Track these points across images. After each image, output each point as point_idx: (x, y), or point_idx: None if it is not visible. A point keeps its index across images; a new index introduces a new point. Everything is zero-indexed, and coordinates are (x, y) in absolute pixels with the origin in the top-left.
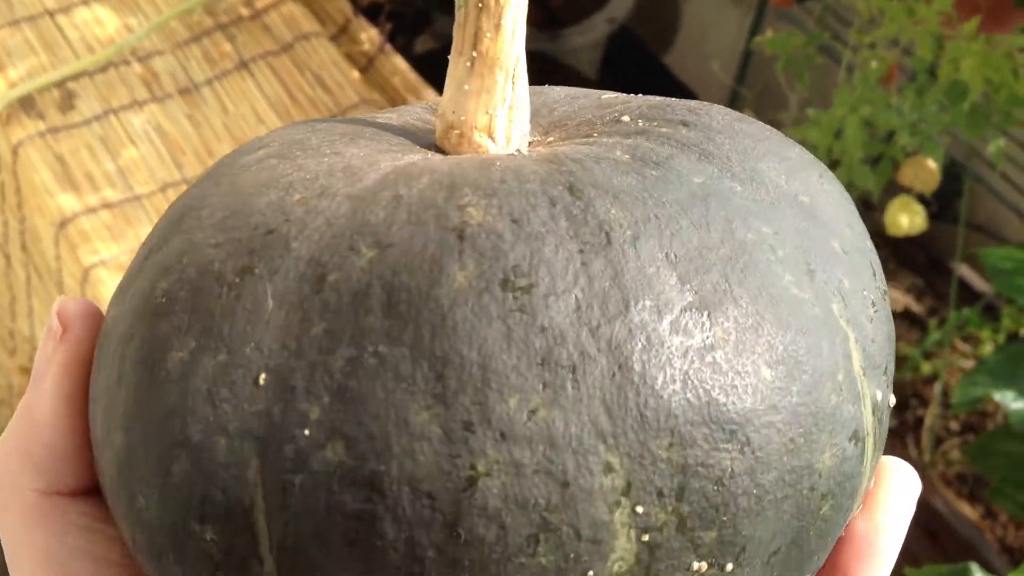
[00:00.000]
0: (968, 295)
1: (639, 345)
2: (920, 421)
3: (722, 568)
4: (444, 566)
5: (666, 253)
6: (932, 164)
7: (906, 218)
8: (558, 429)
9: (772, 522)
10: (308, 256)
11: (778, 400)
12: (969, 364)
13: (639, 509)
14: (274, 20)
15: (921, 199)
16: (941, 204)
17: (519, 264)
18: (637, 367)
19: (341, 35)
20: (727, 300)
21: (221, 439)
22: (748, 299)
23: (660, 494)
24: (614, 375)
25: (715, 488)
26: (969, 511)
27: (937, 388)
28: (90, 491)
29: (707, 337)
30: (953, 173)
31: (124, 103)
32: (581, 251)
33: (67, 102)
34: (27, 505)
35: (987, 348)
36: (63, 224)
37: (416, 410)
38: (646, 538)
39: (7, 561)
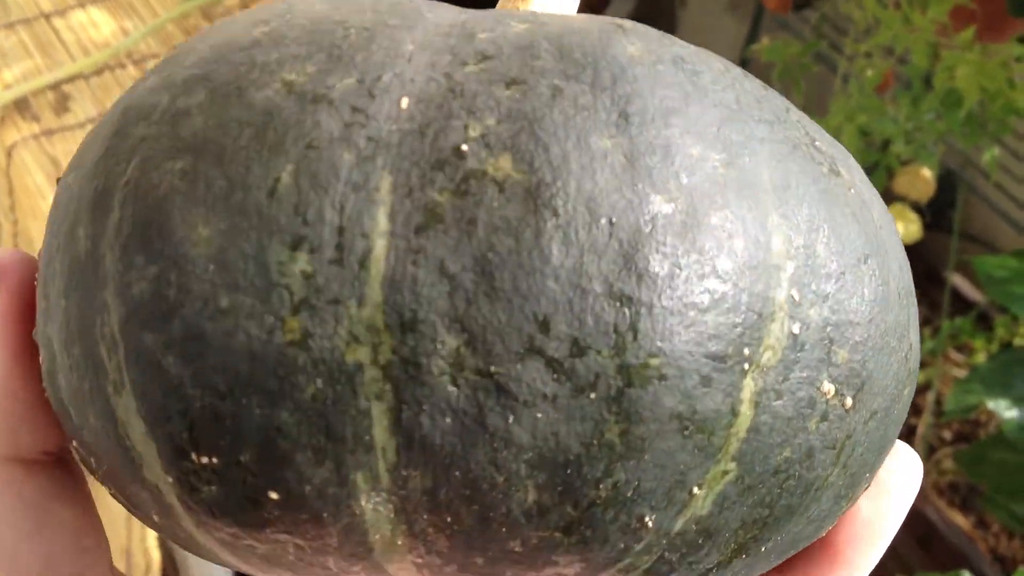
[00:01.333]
0: (961, 304)
1: (818, 140)
2: (913, 430)
3: (843, 401)
4: (609, 300)
5: None
6: (927, 173)
7: (901, 226)
8: (742, 183)
9: (884, 371)
10: (450, 20)
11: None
12: (962, 373)
13: (795, 295)
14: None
15: (916, 208)
16: (935, 214)
17: (683, 55)
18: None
19: None
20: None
21: (345, 152)
22: None
23: (815, 292)
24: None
25: (856, 303)
26: (962, 520)
27: (930, 397)
28: (47, 462)
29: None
30: (948, 183)
31: None
32: (728, 69)
33: (62, 104)
34: None
35: (980, 357)
36: None
37: (598, 136)
38: (796, 329)
39: None
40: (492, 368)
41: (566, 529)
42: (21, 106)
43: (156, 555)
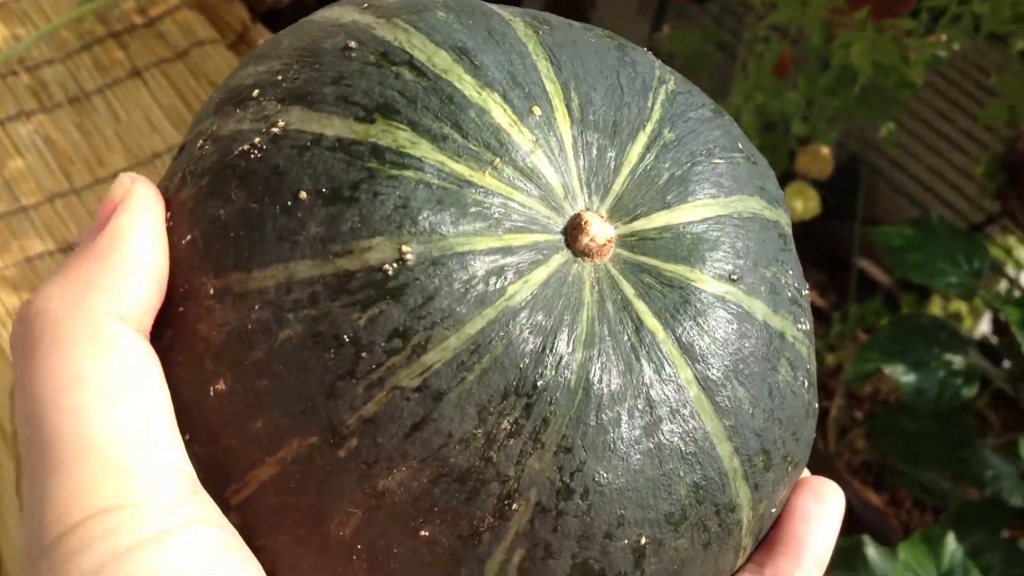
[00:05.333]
0: (869, 287)
1: None
2: (826, 412)
3: None
4: None
5: None
6: (825, 151)
7: (801, 203)
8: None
9: None
10: None
11: None
12: None
13: None
14: (169, 27)
15: (819, 188)
16: (840, 200)
17: None
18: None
19: (240, 42)
20: None
21: None
22: None
23: None
24: None
25: None
26: (875, 498)
27: (841, 379)
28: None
29: None
30: (850, 168)
31: (11, 113)
32: None
33: None
34: (97, 329)
35: None
36: None
37: None
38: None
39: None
40: None
41: None
42: None
43: None
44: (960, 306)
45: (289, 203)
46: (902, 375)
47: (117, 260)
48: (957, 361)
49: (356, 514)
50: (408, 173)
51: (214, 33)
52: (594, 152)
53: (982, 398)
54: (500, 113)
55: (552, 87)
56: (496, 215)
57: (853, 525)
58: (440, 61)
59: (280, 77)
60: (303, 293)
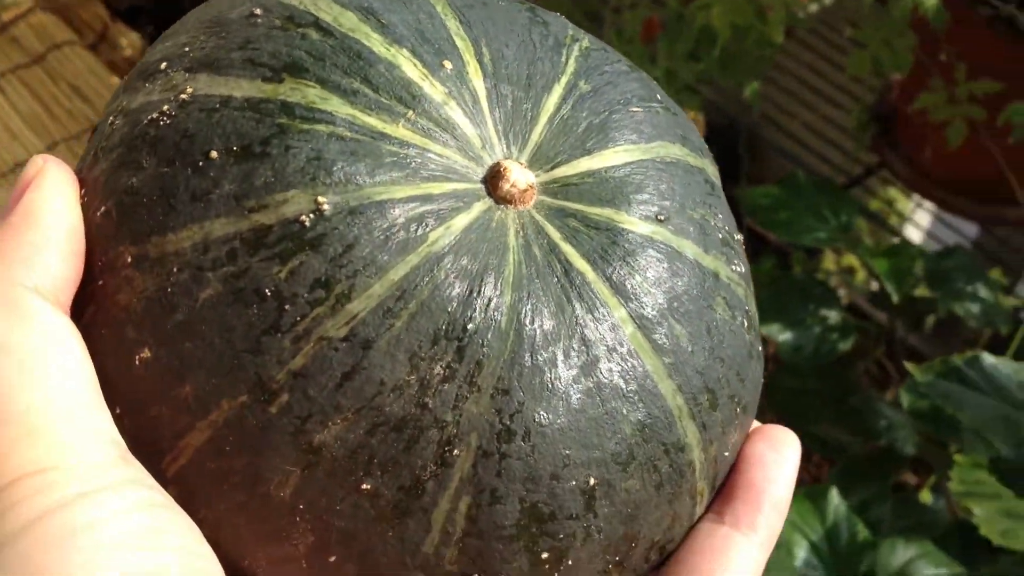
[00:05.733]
0: (762, 248)
1: None
2: None
3: None
4: None
5: None
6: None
7: None
8: None
9: None
10: None
11: None
12: None
13: None
14: (23, 31)
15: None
16: (723, 163)
17: None
18: None
19: (100, 42)
20: None
21: None
22: None
23: None
24: None
25: None
26: None
27: None
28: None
29: None
30: (730, 132)
31: None
32: None
33: None
34: (14, 300)
35: None
36: None
37: None
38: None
39: None
40: None
41: None
42: None
43: None
44: (852, 259)
45: (200, 163)
46: (778, 334)
47: (31, 234)
48: (832, 316)
49: (294, 472)
50: (320, 127)
51: (72, 35)
52: (509, 104)
53: (879, 349)
54: (410, 67)
55: (462, 43)
56: (413, 165)
57: None
58: (347, 21)
59: (187, 49)
60: (220, 251)
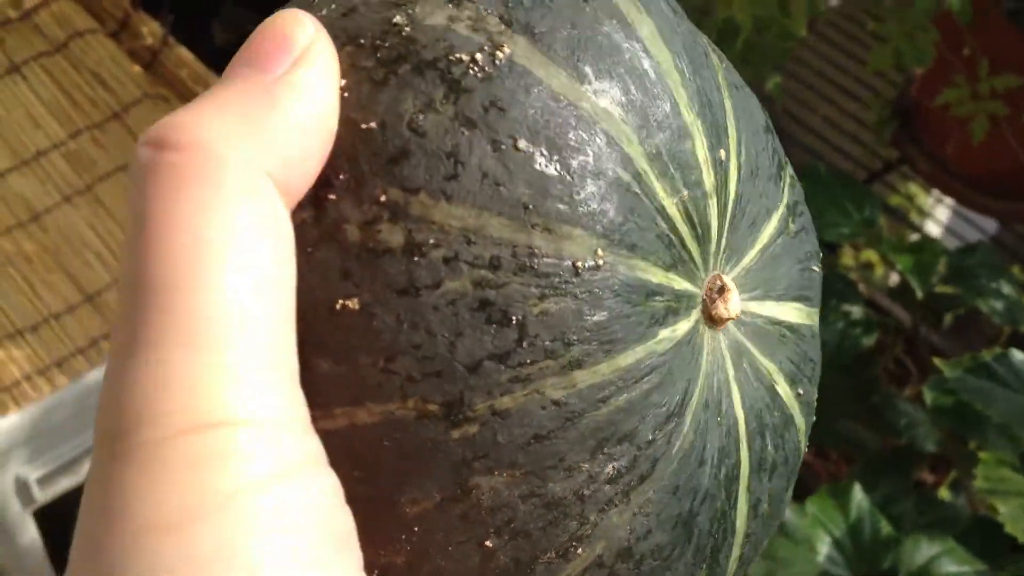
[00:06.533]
0: None
1: None
2: None
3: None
4: None
5: None
6: None
7: None
8: None
9: None
10: None
11: None
12: None
13: None
14: (45, 20)
15: None
16: None
17: None
18: None
19: (121, 31)
20: None
21: None
22: None
23: None
24: None
25: None
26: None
27: None
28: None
29: None
30: None
31: None
32: None
33: None
34: (253, 187)
35: None
36: None
37: None
38: None
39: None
40: None
41: None
42: None
43: None
44: (871, 255)
45: (504, 147)
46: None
47: (292, 116)
48: (855, 311)
49: (434, 499)
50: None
51: (93, 23)
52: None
53: (897, 346)
54: (700, 144)
55: (732, 134)
56: (668, 248)
57: None
58: (664, 60)
59: None
60: (486, 251)
